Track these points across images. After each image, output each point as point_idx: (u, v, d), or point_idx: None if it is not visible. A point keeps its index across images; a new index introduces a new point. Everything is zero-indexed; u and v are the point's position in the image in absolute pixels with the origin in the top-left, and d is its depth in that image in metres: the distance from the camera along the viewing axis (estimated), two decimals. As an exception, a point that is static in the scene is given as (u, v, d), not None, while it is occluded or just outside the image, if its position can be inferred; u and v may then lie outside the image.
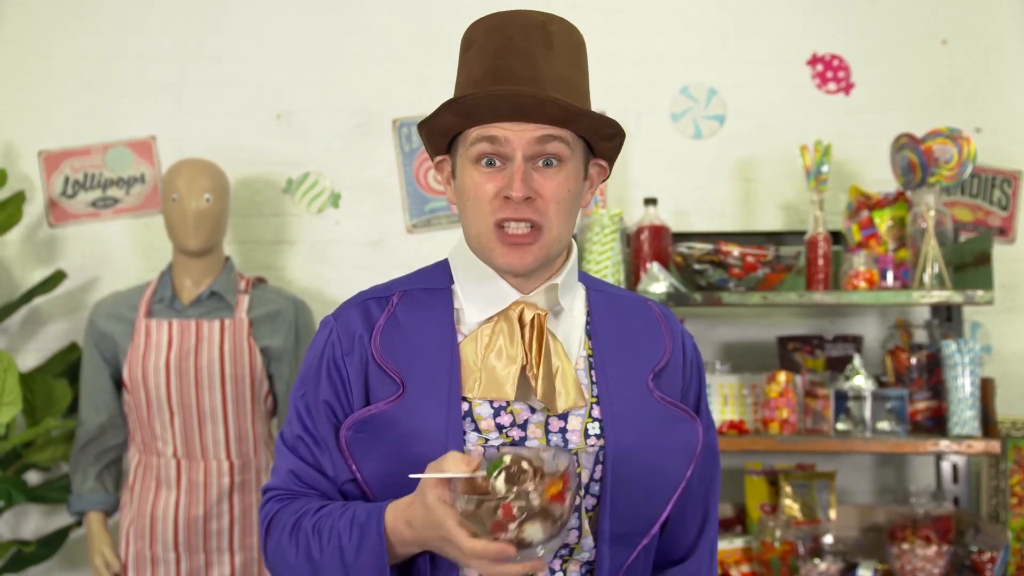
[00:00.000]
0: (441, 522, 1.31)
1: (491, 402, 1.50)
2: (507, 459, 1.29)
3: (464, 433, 1.47)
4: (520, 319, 1.52)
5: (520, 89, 1.43)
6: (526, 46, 1.47)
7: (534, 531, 1.26)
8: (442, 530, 1.32)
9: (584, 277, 1.66)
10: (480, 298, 1.55)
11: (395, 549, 1.41)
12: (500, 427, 1.48)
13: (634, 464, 1.49)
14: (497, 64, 1.47)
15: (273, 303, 2.99)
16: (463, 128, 1.51)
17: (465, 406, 1.49)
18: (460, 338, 1.53)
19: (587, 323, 1.59)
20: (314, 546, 1.45)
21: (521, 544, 1.27)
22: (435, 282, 1.59)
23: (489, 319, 1.54)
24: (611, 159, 1.59)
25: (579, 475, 1.39)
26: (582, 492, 1.48)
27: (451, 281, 1.59)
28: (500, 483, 1.26)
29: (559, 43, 1.49)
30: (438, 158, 1.59)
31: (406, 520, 1.38)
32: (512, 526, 1.26)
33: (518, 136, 1.46)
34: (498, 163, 1.48)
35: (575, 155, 1.50)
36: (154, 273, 3.26)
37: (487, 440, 1.47)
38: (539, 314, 1.51)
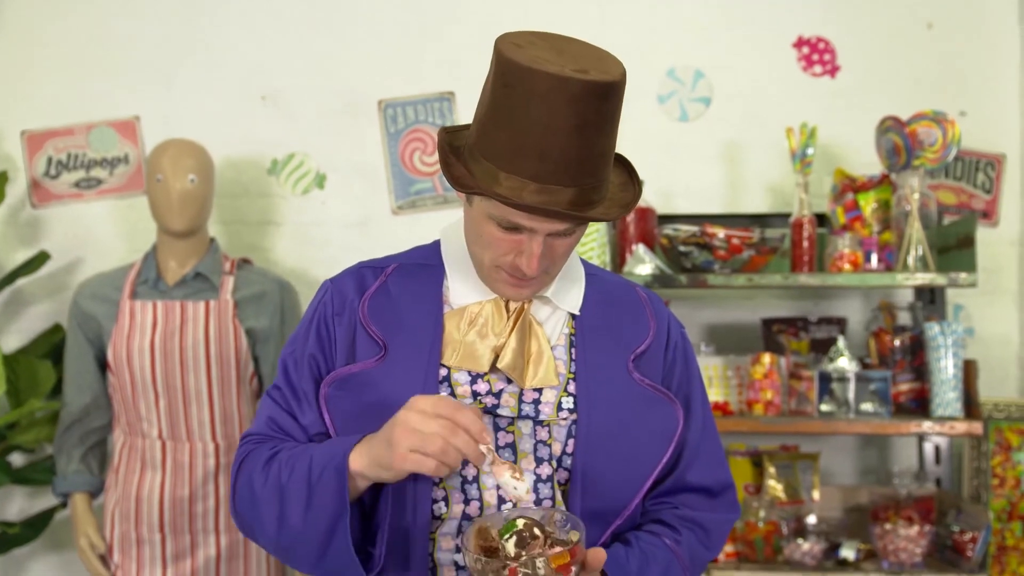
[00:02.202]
0: (392, 420, 1.36)
1: (469, 371, 1.54)
2: (520, 523, 1.32)
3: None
4: (507, 303, 1.58)
5: (556, 210, 1.40)
6: (569, 127, 1.38)
7: None
8: (388, 425, 1.37)
9: (584, 264, 1.69)
10: (468, 285, 1.60)
11: (355, 480, 1.43)
12: (476, 394, 1.53)
13: (607, 441, 1.52)
14: (533, 147, 1.38)
15: (258, 284, 2.99)
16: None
17: (444, 372, 1.53)
18: (447, 310, 1.58)
19: None
20: (284, 473, 1.47)
21: None
22: (430, 260, 1.64)
23: (476, 302, 1.58)
24: None
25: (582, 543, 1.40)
26: (554, 464, 1.51)
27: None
28: (511, 546, 1.30)
29: (605, 116, 1.41)
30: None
31: (359, 452, 1.41)
32: None
33: (542, 227, 1.45)
34: (516, 230, 1.47)
35: None
36: (138, 254, 3.25)
37: None
38: (524, 301, 1.57)
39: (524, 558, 1.29)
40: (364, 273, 1.63)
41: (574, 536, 1.33)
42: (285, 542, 1.48)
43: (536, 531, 1.32)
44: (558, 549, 1.30)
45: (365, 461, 1.40)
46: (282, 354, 1.63)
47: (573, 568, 1.31)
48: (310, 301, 1.66)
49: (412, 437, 1.34)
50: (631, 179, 1.56)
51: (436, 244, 1.67)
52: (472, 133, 1.48)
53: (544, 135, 1.38)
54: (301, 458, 1.46)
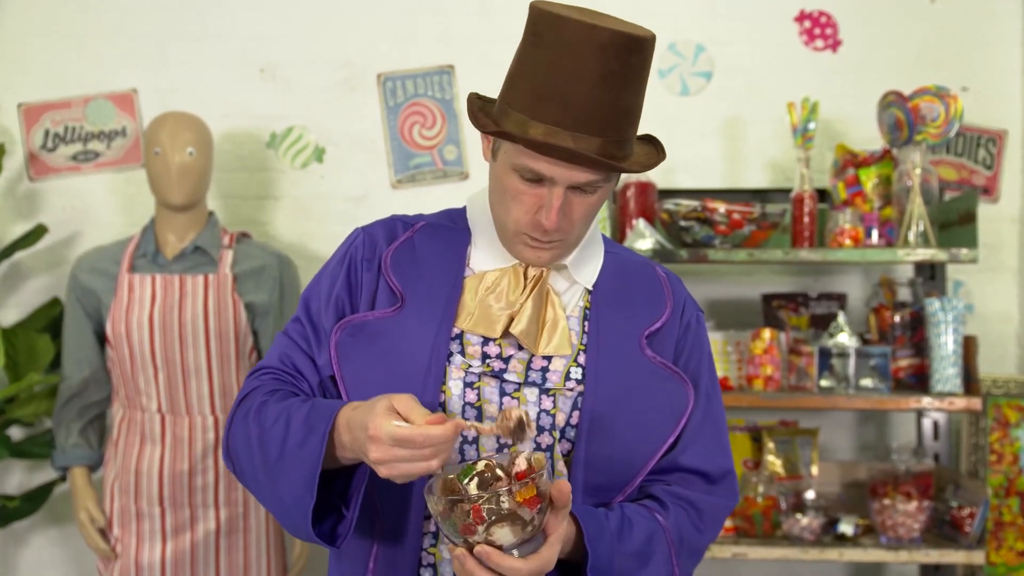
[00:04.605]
0: (372, 418, 1.34)
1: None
2: (481, 465, 1.31)
3: (450, 355, 1.52)
4: (525, 272, 1.57)
5: (572, 148, 1.41)
6: (595, 76, 1.41)
7: (503, 534, 1.28)
8: (368, 417, 1.34)
9: (605, 240, 1.69)
10: (490, 252, 1.60)
11: (334, 450, 1.42)
12: (485, 356, 1.53)
13: (613, 415, 1.51)
14: (559, 95, 1.41)
15: (258, 258, 2.98)
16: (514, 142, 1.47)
17: (457, 330, 1.53)
18: (467, 273, 1.58)
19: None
20: (267, 426, 1.47)
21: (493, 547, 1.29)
22: (457, 223, 1.65)
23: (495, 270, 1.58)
24: None
25: (551, 470, 1.41)
26: (556, 433, 1.51)
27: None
28: (472, 487, 1.29)
29: (632, 73, 1.43)
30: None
31: (347, 422, 1.40)
32: (481, 528, 1.28)
33: (563, 175, 1.45)
34: (539, 181, 1.47)
35: (613, 175, 1.52)
36: (136, 228, 3.23)
37: (470, 366, 1.51)
38: (543, 269, 1.57)
39: (488, 495, 1.28)
40: (396, 225, 1.64)
41: (537, 464, 1.32)
42: (263, 489, 1.50)
43: (498, 472, 1.31)
44: (522, 484, 1.29)
45: (346, 439, 1.40)
46: (305, 293, 1.63)
47: (539, 502, 1.29)
48: (337, 247, 1.66)
49: (379, 453, 1.33)
50: (656, 150, 1.57)
51: (463, 209, 1.67)
52: (502, 89, 1.50)
53: (569, 82, 1.41)
54: (287, 418, 1.46)
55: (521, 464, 1.31)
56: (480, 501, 1.27)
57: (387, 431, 1.31)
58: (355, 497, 1.45)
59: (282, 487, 1.44)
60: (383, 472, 1.33)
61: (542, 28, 1.43)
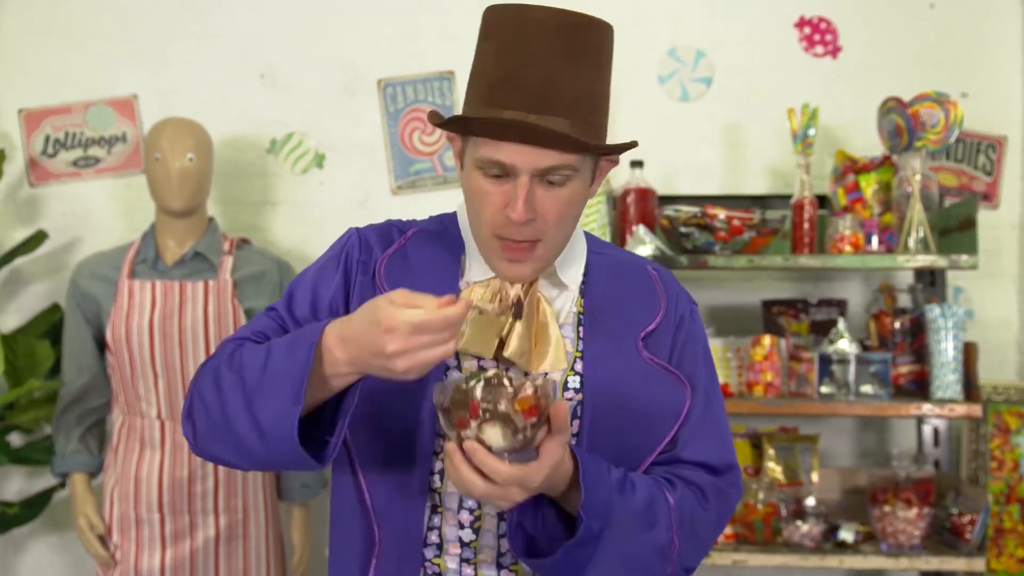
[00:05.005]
0: (380, 314, 1.30)
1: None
2: (490, 373, 1.33)
3: (447, 369, 1.50)
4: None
5: (526, 121, 1.39)
6: (544, 55, 1.41)
7: (494, 434, 1.30)
8: (375, 315, 1.30)
9: (589, 240, 1.65)
10: (480, 260, 1.56)
11: (324, 372, 1.37)
12: (482, 368, 1.50)
13: (612, 422, 1.49)
14: (510, 75, 1.42)
15: (258, 264, 2.98)
16: (473, 136, 1.47)
17: None
18: (462, 284, 1.55)
19: (582, 284, 1.59)
20: (246, 355, 1.43)
21: (482, 446, 1.31)
22: (449, 228, 1.62)
23: (484, 281, 1.55)
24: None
25: (569, 414, 1.38)
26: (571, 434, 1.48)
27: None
28: (478, 390, 1.31)
29: (582, 50, 1.43)
30: (449, 134, 1.55)
31: (340, 337, 1.36)
32: (474, 423, 1.30)
33: (525, 160, 1.43)
34: (504, 176, 1.45)
35: (583, 165, 1.48)
36: (136, 233, 3.23)
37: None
38: (531, 280, 1.53)
39: (489, 395, 1.30)
40: (391, 230, 1.61)
41: (546, 387, 1.33)
42: (234, 427, 1.41)
43: (505, 381, 1.32)
44: (522, 393, 1.31)
45: (340, 354, 1.35)
46: (291, 284, 1.58)
47: (536, 414, 1.31)
48: (331, 245, 1.62)
49: (397, 344, 1.30)
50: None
51: (454, 214, 1.64)
52: (464, 96, 1.50)
53: (518, 64, 1.41)
54: (267, 348, 1.42)
55: (528, 389, 1.32)
56: (480, 399, 1.30)
57: (404, 319, 1.28)
58: (341, 422, 1.40)
59: (261, 410, 1.37)
60: (401, 365, 1.30)
61: (490, 22, 1.46)
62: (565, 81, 1.42)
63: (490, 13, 1.48)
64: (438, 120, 1.48)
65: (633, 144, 1.53)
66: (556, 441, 1.34)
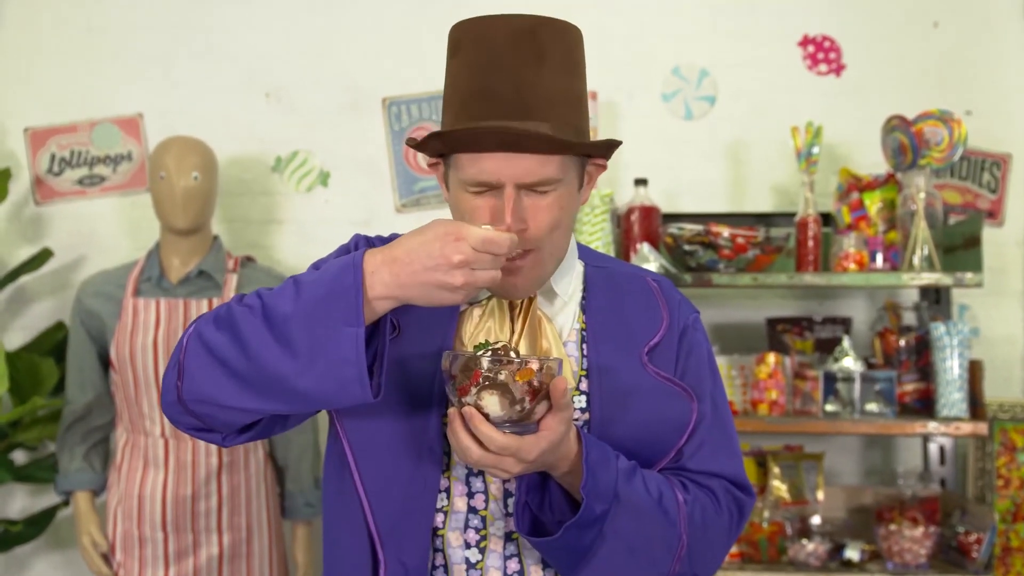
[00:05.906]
0: (451, 226, 1.32)
1: None
2: (499, 345, 1.39)
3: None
4: (510, 304, 1.52)
5: (504, 127, 1.39)
6: (513, 62, 1.42)
7: (492, 402, 1.33)
8: (443, 226, 1.31)
9: (585, 253, 1.64)
10: None
11: (368, 296, 1.34)
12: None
13: (620, 438, 1.48)
14: (483, 87, 1.42)
15: (262, 282, 2.97)
16: (453, 153, 1.47)
17: None
18: (463, 306, 1.53)
19: (582, 299, 1.58)
20: (266, 299, 1.37)
21: (479, 413, 1.35)
22: None
23: (480, 302, 1.53)
24: (609, 155, 1.56)
25: (568, 391, 1.37)
26: (574, 415, 1.48)
27: None
28: (485, 361, 1.34)
29: (550, 52, 1.43)
30: (432, 160, 1.55)
31: (389, 257, 1.33)
32: (474, 390, 1.34)
33: (508, 168, 1.42)
34: (489, 190, 1.45)
35: (569, 170, 1.47)
36: (141, 252, 3.24)
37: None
38: (529, 296, 1.52)
39: (492, 364, 1.34)
40: None
41: (548, 367, 1.36)
42: (255, 370, 1.36)
43: (512, 355, 1.36)
44: (525, 365, 1.34)
45: (386, 275, 1.33)
46: (292, 277, 1.48)
47: (535, 387, 1.33)
48: (336, 248, 1.62)
49: (463, 255, 1.31)
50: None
51: None
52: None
53: (486, 73, 1.42)
54: (293, 283, 1.38)
55: (532, 364, 1.35)
56: (483, 367, 1.34)
57: (479, 233, 1.30)
58: (379, 359, 1.38)
59: (308, 337, 1.31)
60: (460, 279, 1.30)
61: (455, 39, 1.48)
62: (538, 85, 1.42)
63: (455, 30, 1.49)
64: (415, 143, 1.48)
65: (617, 143, 1.51)
66: (558, 418, 1.36)
